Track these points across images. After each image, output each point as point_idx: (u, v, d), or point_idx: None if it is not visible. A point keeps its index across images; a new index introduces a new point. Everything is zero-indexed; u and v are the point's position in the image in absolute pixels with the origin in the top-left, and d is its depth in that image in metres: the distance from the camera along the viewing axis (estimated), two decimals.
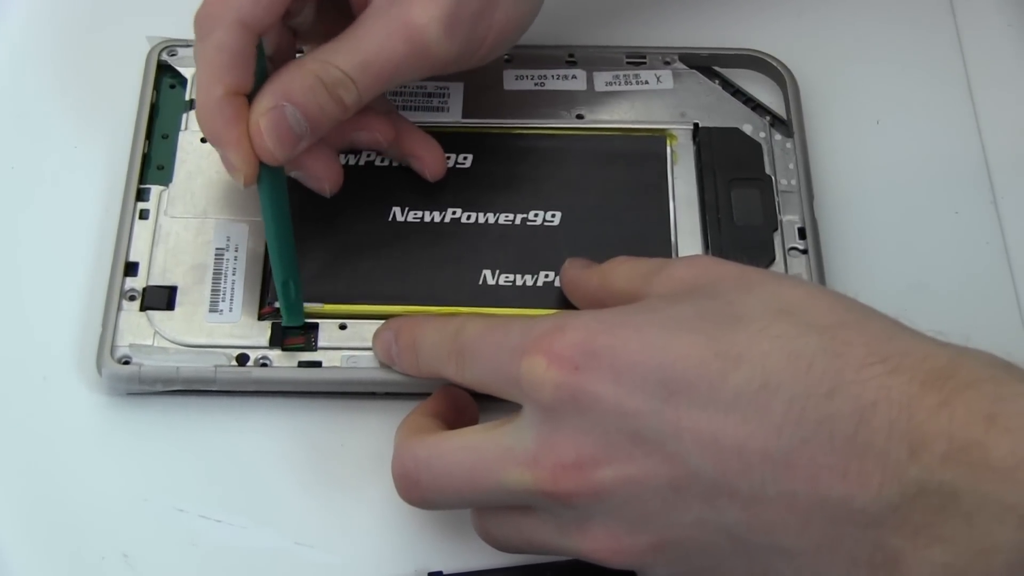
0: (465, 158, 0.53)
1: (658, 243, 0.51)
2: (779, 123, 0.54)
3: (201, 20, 0.46)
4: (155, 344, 0.48)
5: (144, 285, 0.49)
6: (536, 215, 0.52)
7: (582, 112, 0.55)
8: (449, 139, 0.53)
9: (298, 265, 0.48)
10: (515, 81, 0.55)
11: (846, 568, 0.37)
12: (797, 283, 0.41)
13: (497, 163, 0.53)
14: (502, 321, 0.43)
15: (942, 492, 0.35)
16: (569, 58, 0.56)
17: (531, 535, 0.42)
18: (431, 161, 0.52)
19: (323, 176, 0.49)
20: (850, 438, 0.36)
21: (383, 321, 0.48)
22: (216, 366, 0.48)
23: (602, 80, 0.55)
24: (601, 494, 0.39)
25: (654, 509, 0.38)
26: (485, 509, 0.43)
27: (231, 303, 0.49)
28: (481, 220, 0.51)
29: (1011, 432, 0.34)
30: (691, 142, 0.54)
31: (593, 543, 0.40)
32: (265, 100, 0.46)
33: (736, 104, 0.55)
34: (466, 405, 0.46)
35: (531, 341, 0.40)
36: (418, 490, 0.42)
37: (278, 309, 0.48)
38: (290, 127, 0.46)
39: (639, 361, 0.38)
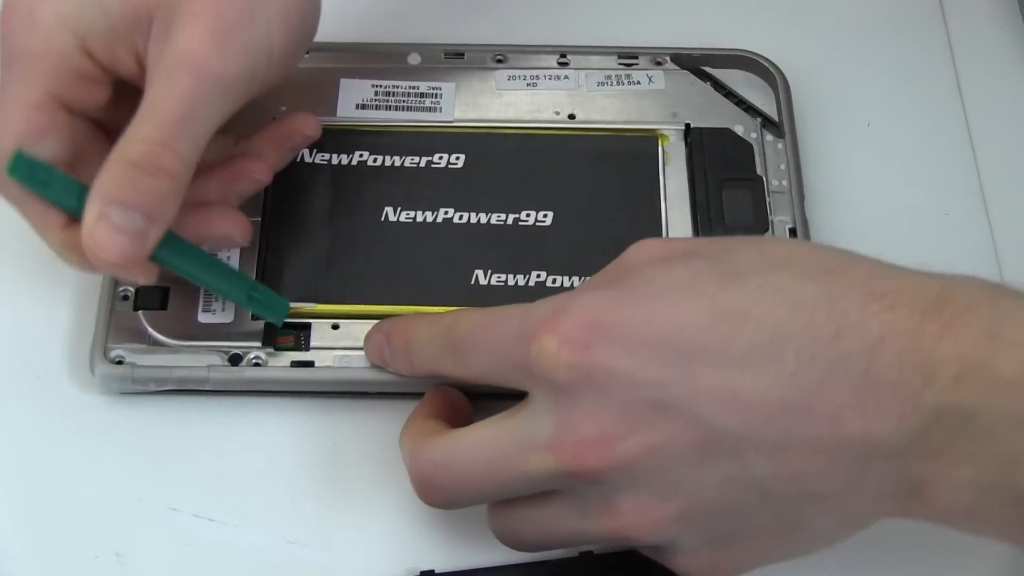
0: (457, 158, 0.53)
1: None
2: (770, 124, 0.55)
3: None
4: (148, 344, 0.48)
5: (137, 285, 0.49)
6: (528, 215, 0.52)
7: (574, 112, 0.55)
8: (441, 139, 0.53)
9: (240, 272, 0.48)
10: (507, 81, 0.55)
11: (872, 503, 0.38)
12: (777, 240, 0.43)
13: (489, 163, 0.53)
14: (497, 311, 0.43)
15: (960, 413, 0.36)
16: (561, 58, 0.56)
17: (552, 525, 0.42)
18: (304, 126, 0.50)
19: (226, 232, 0.48)
20: (863, 375, 0.37)
21: (376, 321, 0.48)
22: (209, 366, 0.48)
23: (594, 80, 0.56)
24: (627, 467, 0.39)
25: (681, 474, 0.39)
26: (501, 508, 0.43)
27: (224, 303, 0.49)
28: (473, 220, 0.52)
29: (1017, 345, 0.36)
30: (682, 142, 0.54)
31: (622, 519, 0.40)
32: (88, 213, 0.42)
33: (728, 105, 0.55)
34: (460, 403, 0.47)
35: (535, 325, 0.40)
36: (439, 492, 0.42)
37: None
38: (122, 228, 0.42)
39: (648, 332, 0.39)
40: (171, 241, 0.45)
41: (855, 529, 0.40)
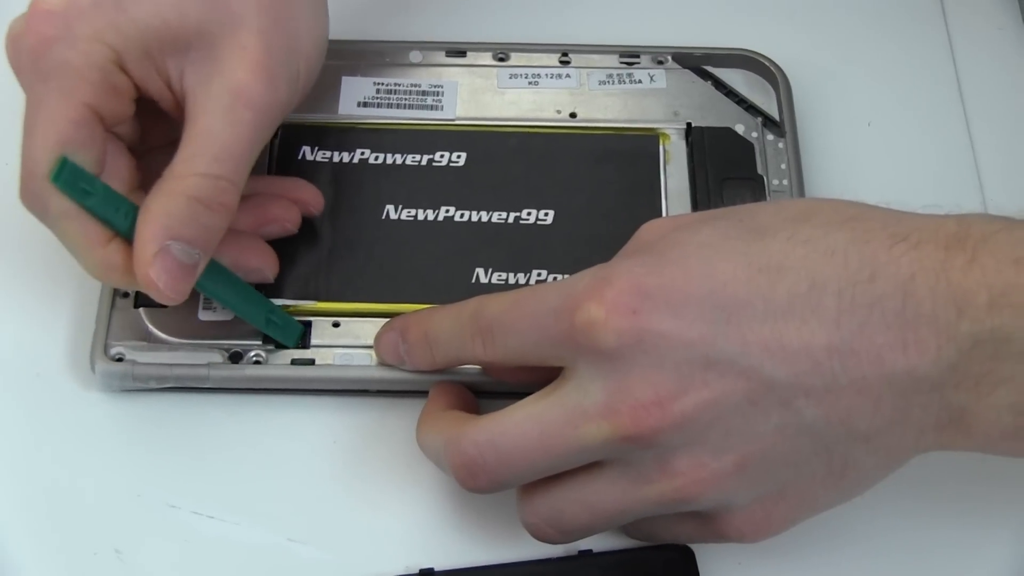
0: (459, 156, 0.53)
1: None
2: (771, 123, 0.55)
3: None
4: (149, 341, 0.48)
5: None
6: (529, 214, 0.52)
7: (575, 111, 0.55)
8: (443, 137, 0.53)
9: (262, 296, 0.48)
10: (509, 79, 0.55)
11: (914, 438, 0.40)
12: (790, 200, 0.45)
13: (490, 162, 0.53)
14: (527, 291, 0.43)
15: (995, 338, 0.38)
16: (563, 57, 0.56)
17: (602, 500, 0.42)
18: (311, 198, 0.51)
19: (259, 266, 0.48)
20: (900, 313, 0.38)
21: (378, 319, 0.48)
22: (209, 364, 0.48)
23: (595, 79, 0.56)
24: (684, 424, 0.39)
25: (735, 426, 0.39)
26: (539, 495, 0.43)
27: None
28: (474, 219, 0.52)
29: None
30: (684, 141, 0.54)
31: (679, 478, 0.40)
32: (147, 246, 0.43)
33: (729, 104, 0.55)
34: (468, 397, 0.47)
35: (578, 297, 0.40)
36: (486, 473, 0.42)
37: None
38: (181, 263, 0.44)
39: (691, 292, 0.39)
40: (208, 271, 0.45)
41: (895, 467, 0.41)
